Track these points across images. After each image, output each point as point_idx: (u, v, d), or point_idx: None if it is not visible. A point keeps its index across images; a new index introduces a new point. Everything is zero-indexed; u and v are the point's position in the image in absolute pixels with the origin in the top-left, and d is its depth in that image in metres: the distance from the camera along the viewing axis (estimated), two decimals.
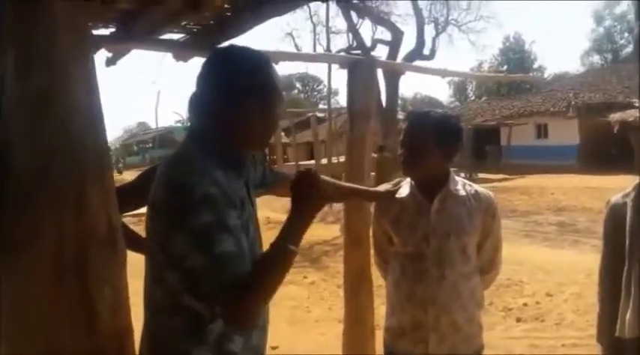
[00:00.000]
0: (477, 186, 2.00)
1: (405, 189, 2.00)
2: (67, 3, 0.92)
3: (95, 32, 2.30)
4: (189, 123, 1.41)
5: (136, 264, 1.46)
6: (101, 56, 2.70)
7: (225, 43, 2.40)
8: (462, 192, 1.92)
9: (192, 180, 1.17)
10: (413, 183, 1.97)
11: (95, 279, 0.92)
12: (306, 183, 1.32)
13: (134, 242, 1.63)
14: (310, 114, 21.67)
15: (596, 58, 45.35)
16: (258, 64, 1.35)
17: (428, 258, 1.86)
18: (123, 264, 1.00)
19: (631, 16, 36.93)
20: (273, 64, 1.38)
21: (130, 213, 1.61)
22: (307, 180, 1.33)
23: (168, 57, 2.57)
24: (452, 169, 1.96)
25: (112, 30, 2.36)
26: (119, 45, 2.39)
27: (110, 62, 2.75)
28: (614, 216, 2.01)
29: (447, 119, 1.89)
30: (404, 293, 1.92)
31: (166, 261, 1.21)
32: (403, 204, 1.95)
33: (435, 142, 1.84)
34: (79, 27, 0.94)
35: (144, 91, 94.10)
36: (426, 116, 1.89)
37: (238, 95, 1.30)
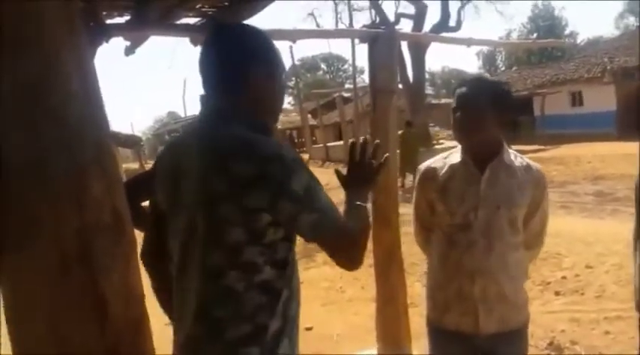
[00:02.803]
0: (528, 159, 1.95)
1: (455, 156, 1.93)
2: None
3: (110, 21, 2.29)
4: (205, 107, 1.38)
5: None
6: (120, 46, 2.70)
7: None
8: (514, 164, 1.87)
9: (274, 149, 1.21)
10: (464, 151, 1.90)
11: (101, 268, 0.91)
12: (364, 169, 1.46)
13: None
14: (336, 94, 21.54)
15: (631, 20, 43.50)
16: (260, 35, 1.38)
17: (475, 228, 1.82)
18: (131, 250, 0.99)
19: None
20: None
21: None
22: (365, 167, 1.46)
23: (187, 43, 2.54)
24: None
25: (127, 18, 2.34)
26: (134, 32, 2.38)
27: (129, 51, 2.74)
28: None
29: (501, 85, 1.87)
30: (451, 265, 1.88)
31: (249, 239, 1.21)
32: (453, 170, 1.90)
33: (490, 107, 1.79)
34: (69, 14, 0.91)
35: (172, 81, 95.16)
36: (482, 80, 1.88)
37: (257, 66, 1.32)
